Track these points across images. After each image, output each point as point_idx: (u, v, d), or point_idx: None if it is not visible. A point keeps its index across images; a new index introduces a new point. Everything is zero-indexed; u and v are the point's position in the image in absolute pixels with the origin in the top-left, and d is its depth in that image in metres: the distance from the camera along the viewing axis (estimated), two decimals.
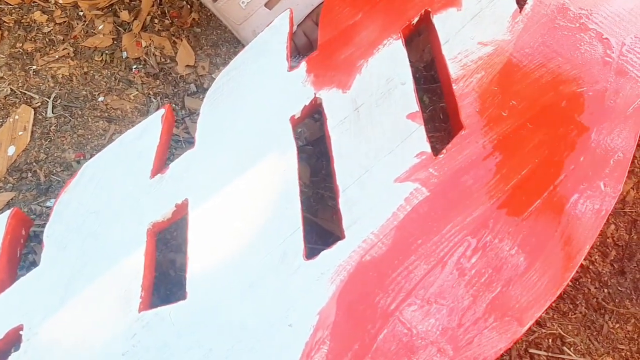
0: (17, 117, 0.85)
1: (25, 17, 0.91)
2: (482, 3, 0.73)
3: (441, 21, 0.71)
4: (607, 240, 0.81)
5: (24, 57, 0.89)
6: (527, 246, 0.60)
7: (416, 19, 0.72)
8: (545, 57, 0.70)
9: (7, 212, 0.61)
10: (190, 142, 0.85)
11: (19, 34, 0.90)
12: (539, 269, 0.59)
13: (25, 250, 0.76)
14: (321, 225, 0.80)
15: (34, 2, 0.92)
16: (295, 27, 0.84)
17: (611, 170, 0.65)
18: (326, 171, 0.84)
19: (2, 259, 0.60)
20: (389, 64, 0.69)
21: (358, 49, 0.70)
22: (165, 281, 0.76)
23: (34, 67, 0.88)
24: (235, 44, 0.91)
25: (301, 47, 0.86)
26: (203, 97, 0.88)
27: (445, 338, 0.57)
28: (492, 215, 0.62)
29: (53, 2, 0.92)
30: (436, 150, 0.66)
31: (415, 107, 0.67)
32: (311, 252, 0.61)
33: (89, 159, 0.83)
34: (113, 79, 0.88)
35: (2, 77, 0.87)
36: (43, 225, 0.77)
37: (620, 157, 0.65)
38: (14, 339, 0.58)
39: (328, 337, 0.57)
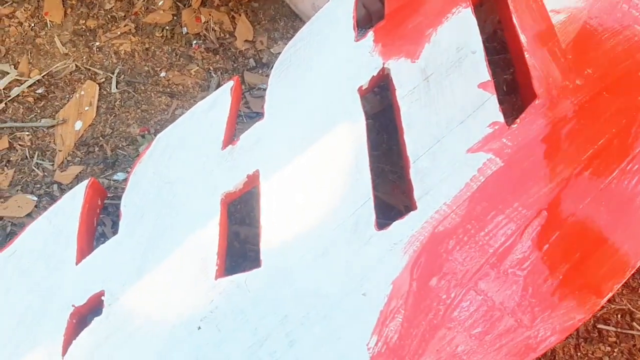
0: (82, 92, 0.86)
1: None
2: None
3: None
4: None
5: (87, 34, 0.90)
6: (606, 216, 0.59)
7: None
8: (621, 24, 0.68)
9: (85, 182, 0.63)
10: (250, 117, 0.86)
11: (82, 12, 0.92)
12: (618, 239, 0.58)
13: None
14: (382, 199, 0.79)
15: None
16: None
17: None
18: (387, 145, 0.83)
19: (81, 228, 0.61)
20: (459, 33, 0.68)
21: (426, 18, 0.69)
22: (230, 253, 0.77)
23: (97, 43, 0.90)
24: (293, 18, 0.91)
25: (361, 19, 0.85)
26: (262, 72, 0.89)
27: (521, 308, 0.56)
28: (568, 186, 0.61)
29: None
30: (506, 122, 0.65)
31: (486, 76, 0.65)
32: (379, 225, 0.61)
33: (153, 133, 0.85)
34: (174, 54, 0.89)
35: (67, 53, 0.89)
36: (110, 198, 0.79)
37: None
38: (96, 304, 0.59)
39: (402, 307, 0.57)
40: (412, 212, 0.61)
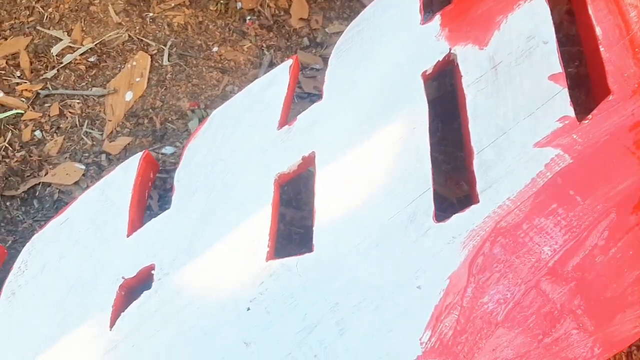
0: (134, 63, 0.85)
1: None
2: None
3: None
4: None
5: (141, 4, 0.89)
6: None
7: None
8: None
9: (139, 154, 0.62)
10: (302, 97, 0.84)
11: None
12: None
13: None
14: (435, 189, 0.77)
15: None
16: None
17: None
18: (441, 133, 0.81)
19: (134, 200, 0.61)
20: (530, 21, 0.65)
21: (497, 4, 0.66)
22: None
23: (151, 14, 0.89)
24: None
25: (425, 1, 0.82)
26: (315, 52, 0.87)
27: (585, 312, 0.54)
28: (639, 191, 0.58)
29: None
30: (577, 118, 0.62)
31: (558, 67, 0.62)
32: (438, 217, 0.59)
33: (203, 108, 0.83)
34: (227, 29, 0.88)
35: (120, 23, 0.88)
36: (159, 172, 0.78)
37: None
38: (146, 277, 0.59)
39: (459, 303, 0.55)
40: (473, 206, 0.59)
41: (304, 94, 0.84)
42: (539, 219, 0.57)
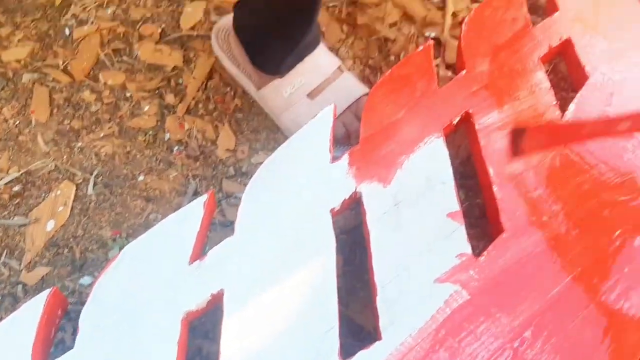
0: (59, 192, 0.86)
1: (75, 95, 0.95)
2: (522, 102, 0.74)
3: (482, 124, 0.72)
4: None
5: (71, 134, 0.92)
6: (572, 357, 0.58)
7: (457, 119, 0.73)
8: (588, 164, 0.70)
9: (47, 291, 0.61)
10: (225, 226, 0.86)
11: (68, 112, 0.94)
12: None
13: None
14: (352, 319, 0.78)
15: (84, 81, 0.96)
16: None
17: None
18: (359, 261, 0.83)
19: (37, 340, 0.59)
20: (430, 162, 0.70)
21: (399, 146, 0.71)
22: None
23: (79, 144, 0.91)
24: (275, 130, 0.93)
25: (340, 137, 0.87)
26: (241, 181, 0.90)
27: None
28: (534, 323, 0.60)
29: (103, 82, 0.96)
30: (473, 248, 0.65)
31: (456, 206, 0.67)
32: (344, 348, 0.60)
33: (125, 237, 0.84)
34: (154, 159, 0.90)
35: (48, 152, 0.90)
36: (74, 304, 0.77)
37: None
38: None
39: None
40: (377, 342, 0.60)
41: (227, 222, 0.86)
42: (438, 355, 0.58)
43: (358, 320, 0.78)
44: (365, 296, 0.81)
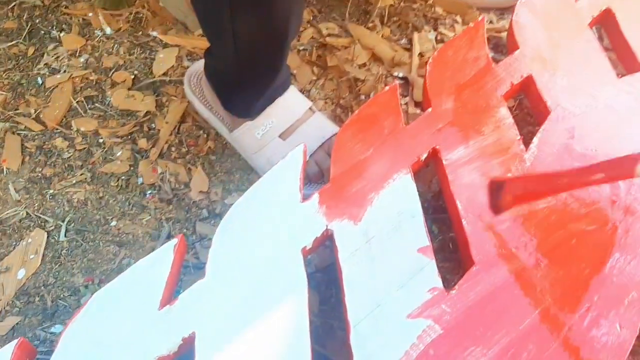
0: (30, 240, 0.85)
1: (47, 143, 0.95)
2: (487, 138, 0.76)
3: (449, 159, 0.74)
4: None
5: (42, 182, 0.91)
6: None
7: (425, 155, 0.74)
8: (554, 196, 0.71)
9: (14, 342, 0.60)
10: (199, 268, 0.85)
11: (40, 159, 0.93)
12: None
13: None
14: (330, 358, 0.77)
15: (57, 129, 0.96)
16: (307, 157, 0.87)
17: (626, 310, 0.64)
18: (335, 299, 0.83)
19: None
20: (400, 198, 0.70)
21: (369, 183, 0.71)
22: None
23: (51, 191, 0.91)
24: (249, 171, 0.94)
25: (312, 175, 0.88)
26: (215, 223, 0.90)
27: None
28: (507, 355, 0.60)
29: (75, 129, 0.96)
30: (446, 281, 0.66)
31: (425, 241, 0.67)
32: None
33: (97, 283, 0.83)
34: (127, 203, 0.90)
35: (20, 200, 0.89)
36: (45, 352, 0.75)
37: (635, 297, 0.65)
38: None
39: None
40: None
41: (201, 264, 0.86)
42: None
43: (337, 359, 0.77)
44: (342, 335, 0.80)
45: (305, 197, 0.71)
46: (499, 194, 0.69)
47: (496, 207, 0.70)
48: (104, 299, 0.63)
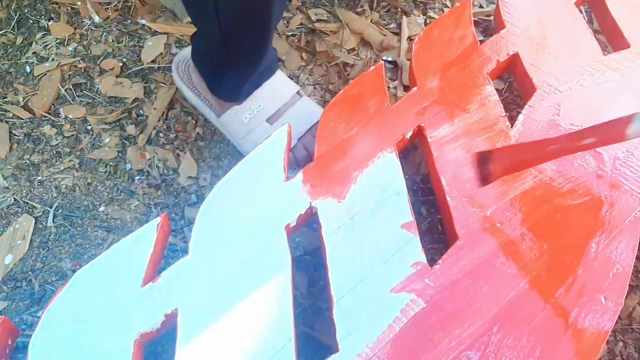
0: (17, 226, 0.85)
1: (35, 130, 0.95)
2: (472, 115, 0.75)
3: (434, 137, 0.74)
4: (616, 358, 0.78)
5: (30, 168, 0.91)
6: None
7: (410, 134, 0.74)
8: (538, 170, 0.71)
9: None
10: (187, 252, 0.85)
11: (28, 146, 0.93)
12: None
13: None
14: (318, 339, 0.77)
15: (45, 116, 0.96)
16: (295, 141, 0.87)
17: (611, 283, 0.63)
18: (324, 282, 0.83)
19: None
20: (384, 175, 0.70)
21: (353, 161, 0.71)
22: None
23: (39, 177, 0.90)
24: (237, 156, 0.94)
25: (301, 159, 0.88)
26: None
27: None
28: (491, 329, 0.60)
29: (63, 116, 0.96)
30: (434, 262, 0.65)
31: (409, 217, 0.67)
32: None
33: None
34: (115, 189, 0.90)
35: (7, 187, 0.89)
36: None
37: (620, 270, 0.64)
38: None
39: None
40: (333, 355, 0.59)
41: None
42: None
43: (325, 341, 0.77)
44: (330, 316, 0.80)
45: (289, 177, 0.71)
46: (486, 165, 0.69)
47: (483, 178, 0.69)
48: (86, 277, 0.63)
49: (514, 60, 0.82)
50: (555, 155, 0.67)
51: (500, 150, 0.70)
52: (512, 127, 0.75)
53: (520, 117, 0.75)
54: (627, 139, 0.57)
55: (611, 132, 0.59)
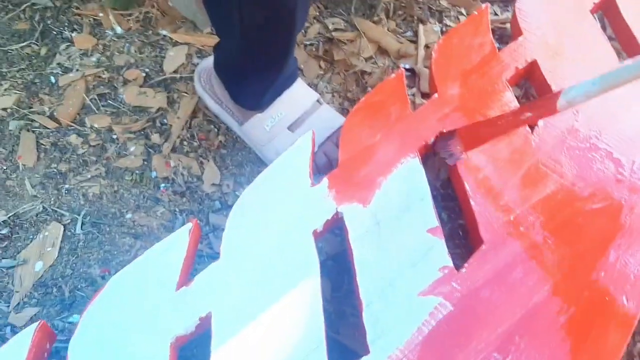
0: (47, 233, 0.87)
1: (61, 140, 0.97)
2: None
3: None
4: (634, 359, 0.79)
5: (58, 177, 0.93)
6: None
7: (432, 140, 0.76)
8: (560, 175, 0.72)
9: (34, 325, 0.62)
10: (213, 258, 0.86)
11: (55, 156, 0.95)
12: None
13: None
14: (343, 343, 0.78)
15: (71, 126, 0.98)
16: (316, 148, 0.88)
17: (632, 285, 0.65)
18: (347, 287, 0.84)
19: None
20: (408, 181, 0.72)
21: (377, 167, 0.73)
22: None
23: (67, 186, 0.92)
24: (259, 164, 0.96)
25: (322, 166, 0.89)
26: (227, 214, 0.91)
27: None
28: (517, 331, 0.61)
29: (89, 126, 0.98)
30: (457, 267, 0.67)
31: (434, 222, 0.68)
32: None
33: (114, 274, 0.84)
34: (142, 197, 0.92)
35: (36, 195, 0.91)
36: (64, 341, 0.77)
37: None
38: None
39: None
40: (364, 357, 0.60)
41: (215, 254, 0.87)
42: None
43: (350, 346, 0.78)
44: (355, 321, 0.81)
45: (315, 183, 0.72)
46: (451, 143, 0.74)
47: (450, 155, 0.74)
48: (120, 283, 0.65)
49: (532, 68, 0.83)
50: (504, 130, 0.72)
51: (463, 129, 0.74)
52: (532, 132, 0.77)
53: (541, 123, 0.77)
54: (559, 111, 0.62)
55: (545, 106, 0.64)
